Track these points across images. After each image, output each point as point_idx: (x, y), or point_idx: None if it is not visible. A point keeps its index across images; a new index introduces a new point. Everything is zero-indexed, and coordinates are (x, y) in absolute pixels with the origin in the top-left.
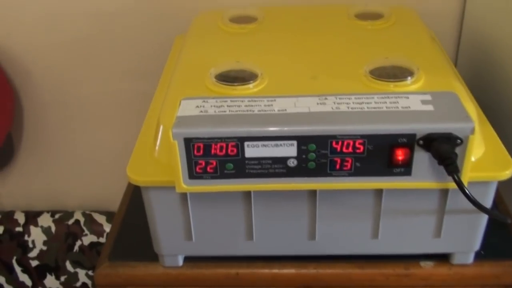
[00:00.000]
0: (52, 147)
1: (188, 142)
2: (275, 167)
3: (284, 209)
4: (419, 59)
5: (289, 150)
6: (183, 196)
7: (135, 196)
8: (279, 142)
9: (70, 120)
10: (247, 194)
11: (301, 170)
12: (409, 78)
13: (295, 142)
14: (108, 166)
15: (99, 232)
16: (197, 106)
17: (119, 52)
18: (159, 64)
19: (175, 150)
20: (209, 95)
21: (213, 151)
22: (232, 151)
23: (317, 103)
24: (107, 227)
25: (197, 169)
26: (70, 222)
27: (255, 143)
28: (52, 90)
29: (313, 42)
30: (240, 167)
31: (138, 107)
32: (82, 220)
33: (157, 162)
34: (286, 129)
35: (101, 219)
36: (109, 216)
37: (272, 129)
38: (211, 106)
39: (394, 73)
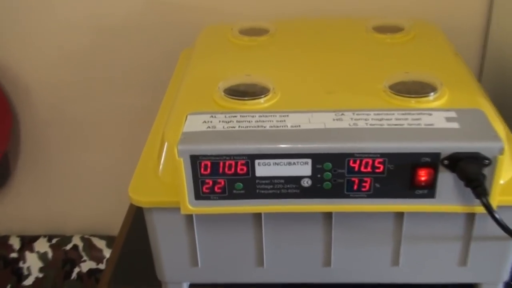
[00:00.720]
0: (50, 167)
1: (195, 160)
2: (287, 187)
3: (297, 233)
4: (441, 74)
5: (303, 169)
6: (189, 218)
7: (137, 219)
8: (292, 160)
9: (69, 139)
10: (258, 216)
11: (316, 190)
12: (431, 94)
13: (309, 161)
14: (109, 187)
15: (98, 258)
16: (205, 122)
17: (122, 66)
18: (164, 78)
19: (180, 168)
20: (218, 110)
21: (221, 170)
22: (241, 169)
23: (333, 119)
24: (107, 253)
25: (204, 189)
26: (68, 247)
27: (266, 161)
28: (51, 108)
29: (328, 55)
30: (250, 187)
31: (141, 124)
32: (80, 245)
33: (161, 182)
34: (300, 146)
35: (100, 244)
36: (109, 240)
37: (285, 146)
38: (220, 121)
39: (415, 89)
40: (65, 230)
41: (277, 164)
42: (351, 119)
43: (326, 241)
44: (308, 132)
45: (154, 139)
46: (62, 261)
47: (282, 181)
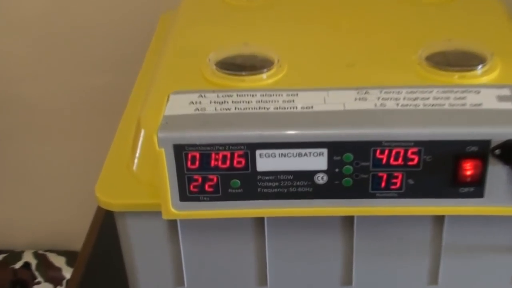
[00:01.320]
0: None
1: (180, 151)
2: (297, 185)
3: (310, 243)
4: (492, 43)
5: (317, 161)
6: (172, 225)
7: (106, 228)
8: (303, 151)
9: (17, 129)
10: (259, 222)
11: (334, 189)
12: (479, 66)
13: (325, 151)
14: (69, 188)
15: (56, 279)
16: (192, 103)
17: (85, 36)
18: (138, 50)
19: (161, 161)
20: (208, 88)
21: (213, 163)
22: (239, 162)
23: (355, 99)
24: (67, 272)
25: (192, 188)
26: (18, 265)
27: (270, 151)
28: None
29: (349, 18)
30: (250, 184)
31: (110, 108)
32: (33, 262)
33: (137, 179)
34: (313, 133)
35: (59, 261)
36: (70, 257)
37: (294, 133)
38: (211, 102)
39: (459, 60)
40: (13, 244)
41: (284, 156)
42: (378, 98)
43: (345, 254)
44: (324, 115)
45: (127, 126)
46: (10, 282)
47: (291, 177)
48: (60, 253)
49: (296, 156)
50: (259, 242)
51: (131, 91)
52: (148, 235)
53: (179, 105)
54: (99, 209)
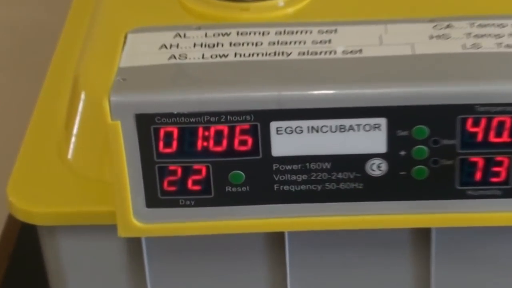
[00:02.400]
0: None
1: (146, 124)
2: (338, 179)
3: (357, 270)
4: None
5: (370, 139)
6: (133, 246)
7: (22, 250)
8: (348, 123)
9: None
10: (276, 240)
11: (397, 184)
12: None
13: (383, 122)
14: None
15: None
16: (164, 46)
17: None
18: None
19: (116, 142)
20: (190, 23)
21: (200, 144)
22: (243, 143)
23: (431, 36)
24: None
25: (166, 185)
26: None
27: (294, 124)
28: None
29: None
30: (262, 179)
31: (30, 67)
32: None
33: (74, 174)
34: (365, 93)
35: None
36: None
37: (332, 94)
38: (195, 45)
39: None
40: None
41: (316, 131)
42: (468, 35)
43: (417, 284)
44: (380, 64)
45: (54, 90)
46: None
47: (327, 166)
48: None
49: (335, 131)
50: (275, 271)
51: (57, 43)
52: (93, 263)
53: (144, 50)
54: (11, 219)
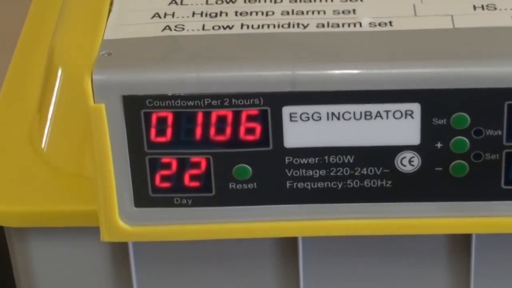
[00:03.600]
0: None
1: (136, 108)
2: (363, 176)
3: (384, 284)
4: None
5: (401, 129)
6: (119, 252)
7: None
8: (375, 109)
9: None
10: (288, 245)
11: (433, 182)
12: None
13: (417, 109)
14: None
15: None
16: (157, 15)
17: None
18: None
19: (99, 129)
20: None
21: (199, 132)
22: (250, 131)
23: (475, 7)
24: None
25: (158, 181)
26: None
27: (311, 110)
28: None
29: None
30: (272, 174)
31: None
32: None
33: (48, 166)
34: (395, 74)
35: None
36: None
37: (357, 74)
38: (194, 14)
39: None
40: None
41: (337, 119)
42: (511, 8)
43: None
44: (414, 40)
45: (25, 65)
46: None
47: (350, 159)
48: None
49: (359, 118)
50: (286, 282)
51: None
52: (70, 272)
53: (133, 19)
54: None
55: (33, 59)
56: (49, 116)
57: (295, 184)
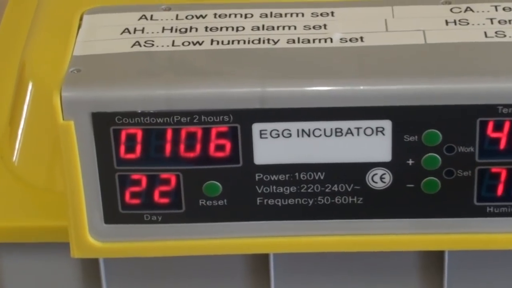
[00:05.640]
0: None
1: (105, 125)
2: (334, 192)
3: None
4: None
5: (372, 146)
6: (90, 268)
7: None
8: (346, 126)
9: None
10: (259, 263)
11: (404, 199)
12: None
13: (388, 126)
14: None
15: None
16: (127, 31)
17: None
18: None
19: (68, 146)
20: (158, 2)
21: (169, 149)
22: (220, 148)
23: (447, 22)
24: None
25: (128, 197)
26: None
27: (281, 127)
28: None
29: None
30: (242, 191)
31: None
32: None
33: (19, 181)
34: (366, 91)
35: None
36: None
37: (327, 90)
38: (164, 29)
39: None
40: None
41: (308, 135)
42: (490, 20)
43: None
44: (385, 56)
45: None
46: None
47: (321, 176)
48: None
49: (330, 135)
50: None
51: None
52: (43, 286)
53: (103, 35)
54: None
55: (3, 72)
56: (20, 129)
57: (265, 200)
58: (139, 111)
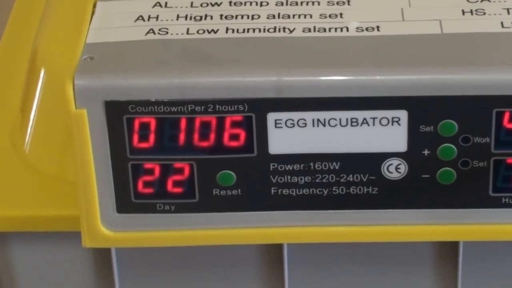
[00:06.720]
0: None
1: (118, 114)
2: (349, 183)
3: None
4: None
5: (388, 136)
6: (101, 258)
7: None
8: (361, 115)
9: None
10: (271, 254)
11: (419, 189)
12: None
13: (403, 116)
14: None
15: None
16: (141, 18)
17: None
18: None
19: (81, 134)
20: None
21: (183, 138)
22: (234, 137)
23: (463, 11)
24: None
25: (141, 187)
26: None
27: (296, 117)
28: None
29: None
30: (257, 180)
31: None
32: None
33: (30, 168)
34: (382, 80)
35: None
36: None
37: (343, 80)
38: (179, 17)
39: None
40: None
41: (323, 125)
42: (506, 10)
43: None
44: (401, 45)
45: (8, 64)
46: None
47: (336, 166)
48: None
49: (346, 125)
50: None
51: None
52: (52, 277)
53: (117, 22)
54: None
55: (15, 60)
56: (32, 117)
57: (280, 190)
58: (153, 100)
